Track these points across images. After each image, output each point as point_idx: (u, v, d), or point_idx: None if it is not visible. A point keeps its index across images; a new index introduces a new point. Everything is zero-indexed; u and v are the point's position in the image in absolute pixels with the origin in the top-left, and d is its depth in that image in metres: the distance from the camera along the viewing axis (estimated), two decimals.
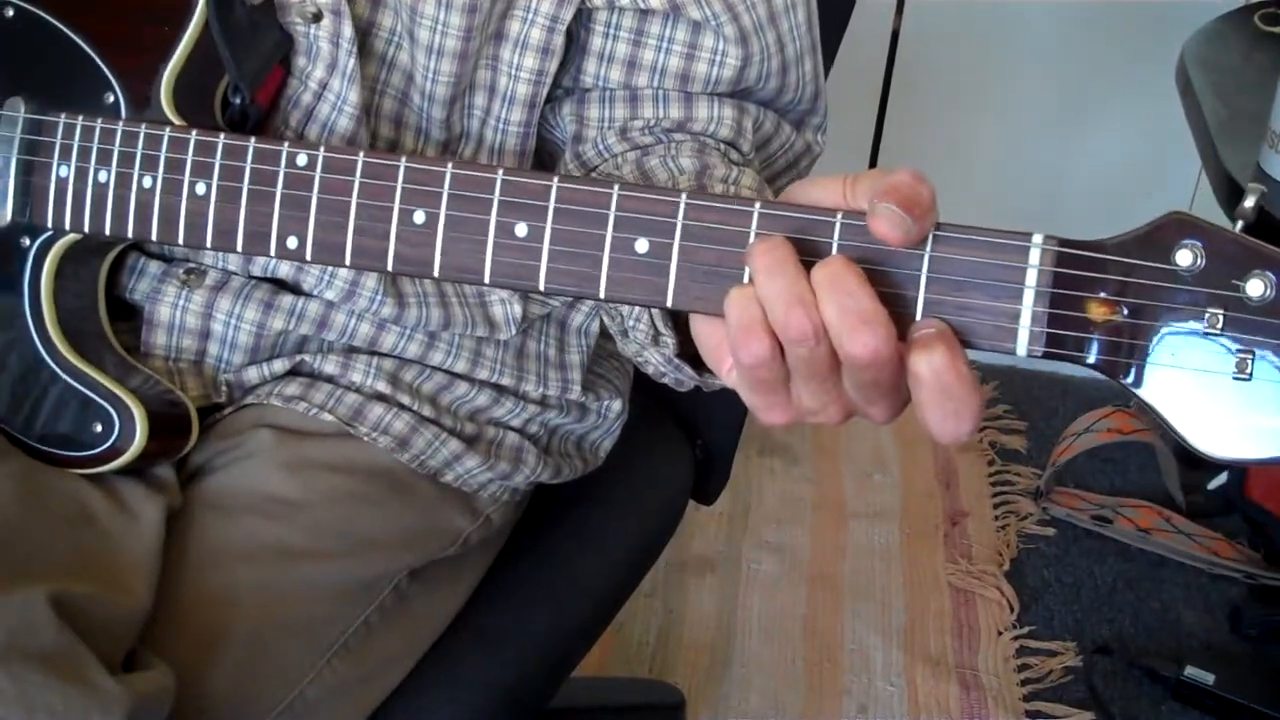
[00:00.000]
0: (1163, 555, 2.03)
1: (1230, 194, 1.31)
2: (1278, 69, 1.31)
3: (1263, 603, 1.94)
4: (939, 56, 2.39)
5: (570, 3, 0.85)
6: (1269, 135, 1.30)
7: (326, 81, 0.84)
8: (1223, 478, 2.03)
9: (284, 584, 0.84)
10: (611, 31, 0.88)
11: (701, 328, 0.67)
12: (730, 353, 0.62)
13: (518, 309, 0.93)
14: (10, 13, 0.81)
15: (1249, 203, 0.59)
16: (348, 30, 0.82)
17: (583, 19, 0.88)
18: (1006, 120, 2.43)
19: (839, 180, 0.63)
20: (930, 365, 0.58)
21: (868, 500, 2.15)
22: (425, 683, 0.94)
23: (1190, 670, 1.76)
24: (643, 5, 0.86)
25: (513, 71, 0.87)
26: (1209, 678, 1.75)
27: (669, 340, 0.75)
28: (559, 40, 0.87)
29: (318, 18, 0.82)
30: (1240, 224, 0.58)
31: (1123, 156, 2.35)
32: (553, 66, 0.87)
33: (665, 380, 0.82)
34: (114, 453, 0.81)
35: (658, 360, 0.77)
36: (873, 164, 2.50)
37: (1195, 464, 2.07)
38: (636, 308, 0.76)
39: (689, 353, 0.74)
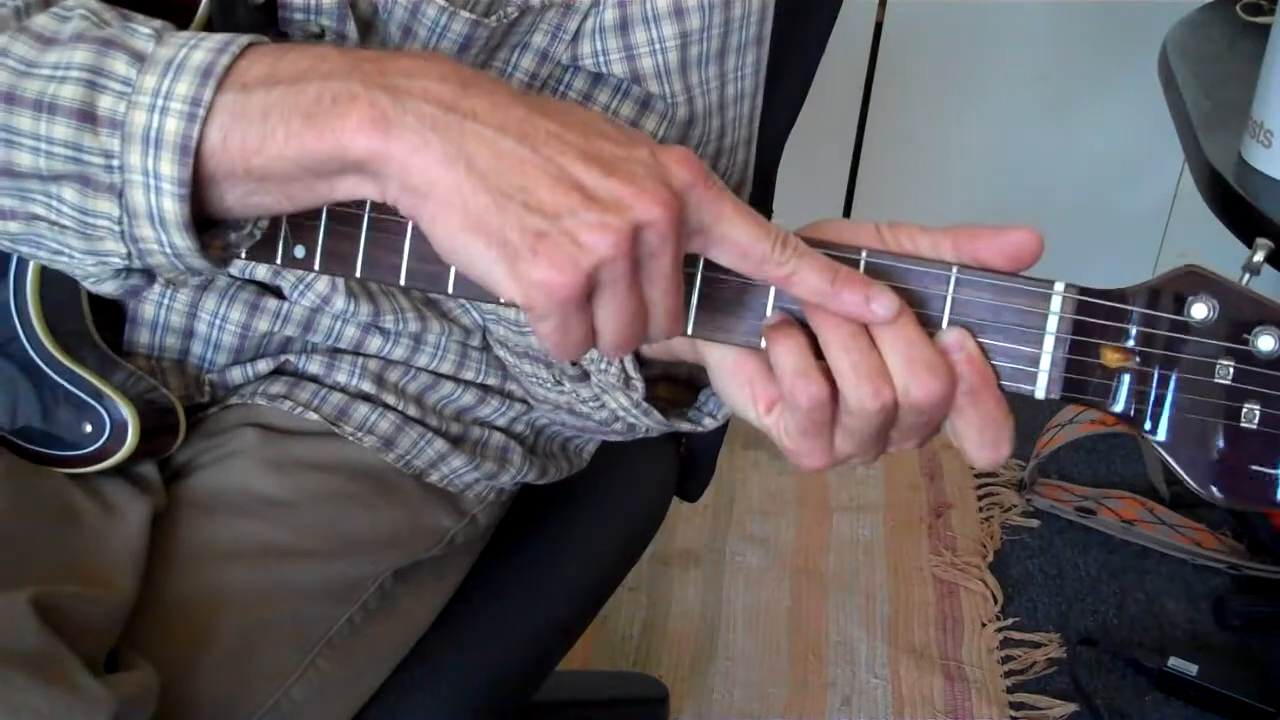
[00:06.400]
0: (1146, 546, 2.04)
1: (1212, 185, 1.31)
2: (1260, 59, 1.30)
3: (1246, 593, 1.95)
4: (922, 50, 2.40)
5: (549, 61, 0.83)
6: (1251, 126, 1.30)
7: None
8: None
9: (269, 583, 0.84)
10: (560, 90, 0.85)
11: (721, 356, 0.67)
12: (782, 395, 0.63)
13: None
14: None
15: (1258, 257, 0.62)
16: None
17: None
18: (990, 114, 2.43)
19: (870, 226, 0.64)
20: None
21: (851, 493, 2.16)
22: (408, 680, 0.94)
23: (1174, 661, 1.76)
24: (605, 70, 0.83)
25: None
26: (1192, 668, 1.76)
27: (639, 385, 0.75)
28: None
29: (320, 36, 0.81)
30: (1248, 276, 0.62)
31: (1107, 149, 2.36)
32: None
33: (616, 429, 0.83)
34: (104, 453, 0.80)
35: (623, 405, 0.77)
36: (855, 158, 2.50)
37: None
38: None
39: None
